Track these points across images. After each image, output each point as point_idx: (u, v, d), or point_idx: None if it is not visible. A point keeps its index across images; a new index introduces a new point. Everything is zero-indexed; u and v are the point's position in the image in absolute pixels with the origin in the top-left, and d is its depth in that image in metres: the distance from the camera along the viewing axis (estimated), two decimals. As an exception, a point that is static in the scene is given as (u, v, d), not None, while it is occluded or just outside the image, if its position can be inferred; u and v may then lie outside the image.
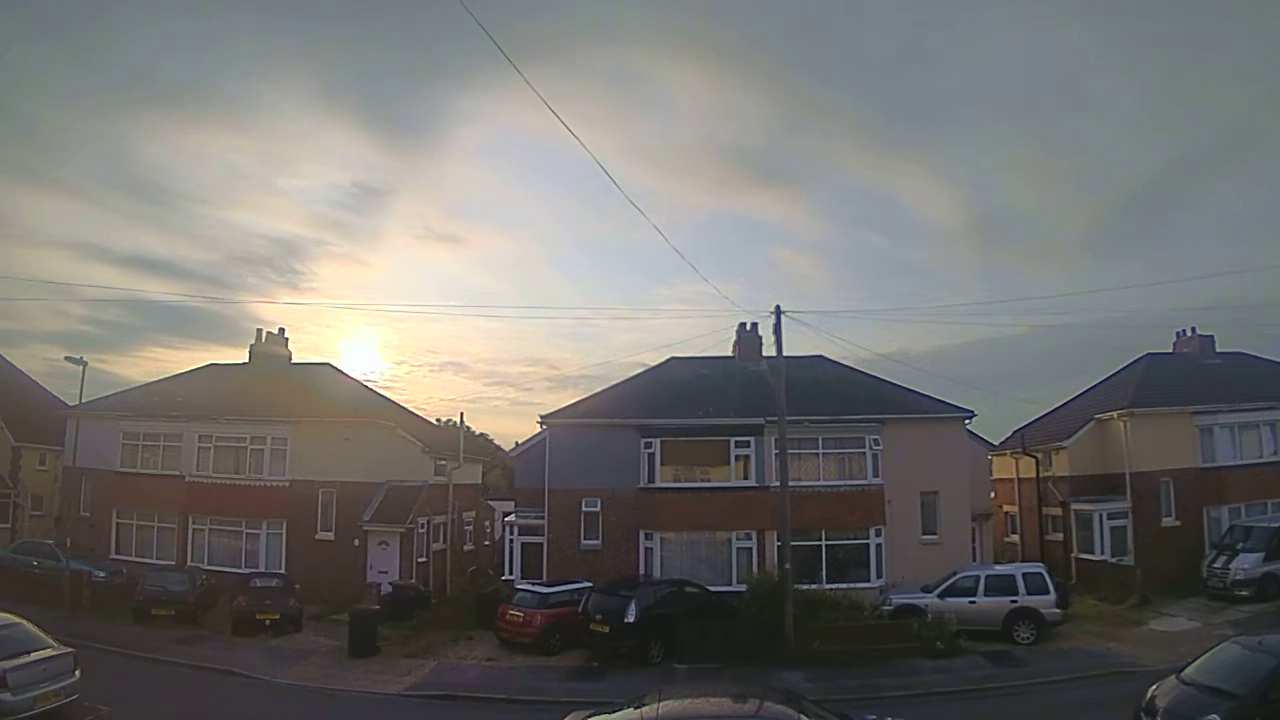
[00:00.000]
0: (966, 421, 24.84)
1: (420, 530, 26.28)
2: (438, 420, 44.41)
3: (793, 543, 18.73)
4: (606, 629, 17.92)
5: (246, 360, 31.64)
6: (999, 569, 20.93)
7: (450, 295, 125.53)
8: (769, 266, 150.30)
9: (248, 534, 26.24)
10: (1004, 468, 31.63)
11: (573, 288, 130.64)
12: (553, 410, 25.34)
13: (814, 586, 20.35)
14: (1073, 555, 27.07)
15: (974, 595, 19.49)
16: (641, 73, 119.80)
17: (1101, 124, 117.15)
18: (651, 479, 23.80)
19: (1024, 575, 19.73)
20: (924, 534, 23.68)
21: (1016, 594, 19.26)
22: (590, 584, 20.24)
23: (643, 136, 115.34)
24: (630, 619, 17.66)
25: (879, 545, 22.90)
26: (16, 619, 12.49)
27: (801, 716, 8.19)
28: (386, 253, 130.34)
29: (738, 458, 23.80)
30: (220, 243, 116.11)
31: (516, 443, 29.30)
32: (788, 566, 18.10)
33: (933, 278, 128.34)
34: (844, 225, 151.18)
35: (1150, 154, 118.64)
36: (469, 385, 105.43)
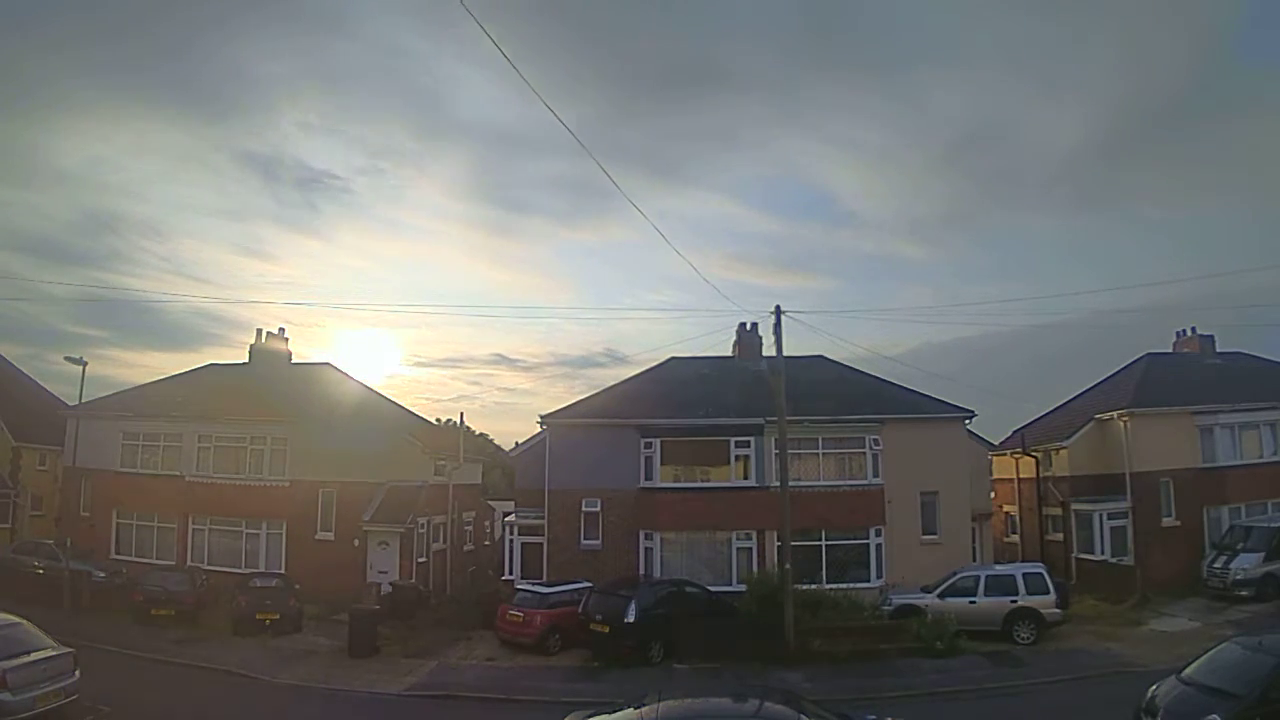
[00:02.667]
0: (966, 421, 24.85)
1: (420, 530, 26.24)
2: (437, 420, 44.51)
3: (793, 543, 18.71)
4: (606, 629, 17.91)
5: (246, 360, 31.64)
6: (999, 569, 20.91)
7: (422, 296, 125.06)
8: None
9: (248, 534, 26.27)
10: (1004, 468, 31.61)
11: (551, 288, 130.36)
12: (552, 410, 25.36)
13: (814, 586, 20.37)
14: (1073, 555, 27.07)
15: (974, 595, 19.49)
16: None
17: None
18: (651, 479, 23.81)
19: (1024, 575, 19.73)
20: (924, 534, 23.69)
21: (1016, 594, 19.26)
22: (590, 584, 20.24)
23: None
24: (630, 619, 17.65)
25: (879, 545, 22.91)
26: (16, 619, 12.47)
27: (801, 716, 8.18)
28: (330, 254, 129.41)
29: (738, 458, 23.82)
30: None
31: (516, 443, 29.29)
32: (788, 566, 18.07)
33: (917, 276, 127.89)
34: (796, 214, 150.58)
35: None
36: (455, 385, 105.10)
